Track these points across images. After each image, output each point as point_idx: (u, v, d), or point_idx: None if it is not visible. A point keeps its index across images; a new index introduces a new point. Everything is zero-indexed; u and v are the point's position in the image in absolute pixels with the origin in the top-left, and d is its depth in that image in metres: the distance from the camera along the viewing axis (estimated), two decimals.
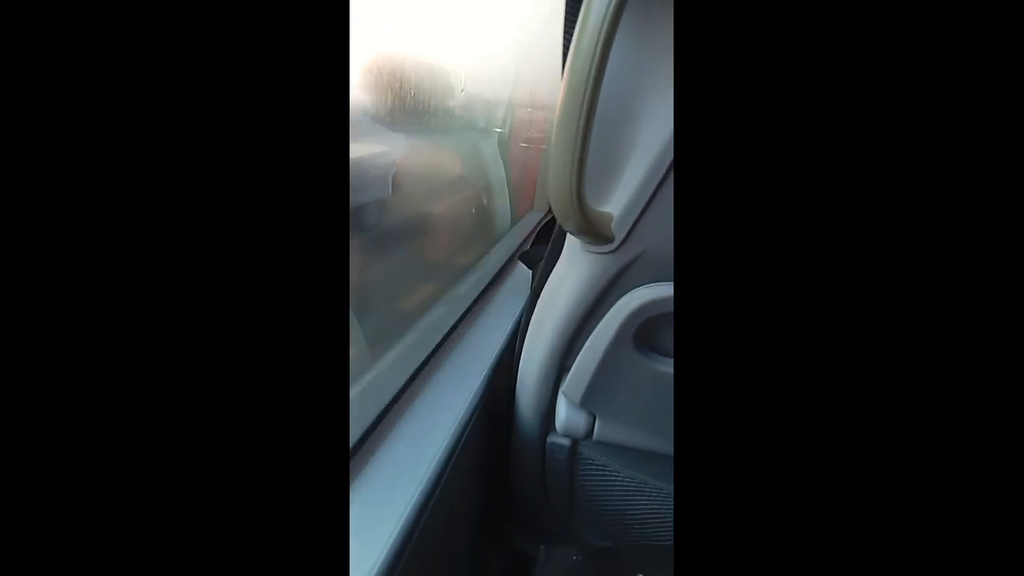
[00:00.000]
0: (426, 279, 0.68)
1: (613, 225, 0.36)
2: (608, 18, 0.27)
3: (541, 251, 0.51)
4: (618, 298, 0.41)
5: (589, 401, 0.49)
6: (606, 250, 0.38)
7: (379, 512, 0.38)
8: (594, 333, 0.43)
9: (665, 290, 0.39)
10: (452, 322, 0.65)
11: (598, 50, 0.28)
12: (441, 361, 0.59)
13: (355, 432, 0.43)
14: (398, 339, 0.55)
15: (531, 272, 0.76)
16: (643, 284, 0.39)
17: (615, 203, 0.36)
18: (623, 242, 0.37)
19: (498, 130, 1.01)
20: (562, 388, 0.50)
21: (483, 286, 0.76)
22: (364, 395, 0.46)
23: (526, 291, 0.65)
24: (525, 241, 1.01)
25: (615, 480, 0.56)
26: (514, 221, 1.03)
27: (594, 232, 0.36)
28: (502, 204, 0.99)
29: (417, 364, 0.55)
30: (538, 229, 0.99)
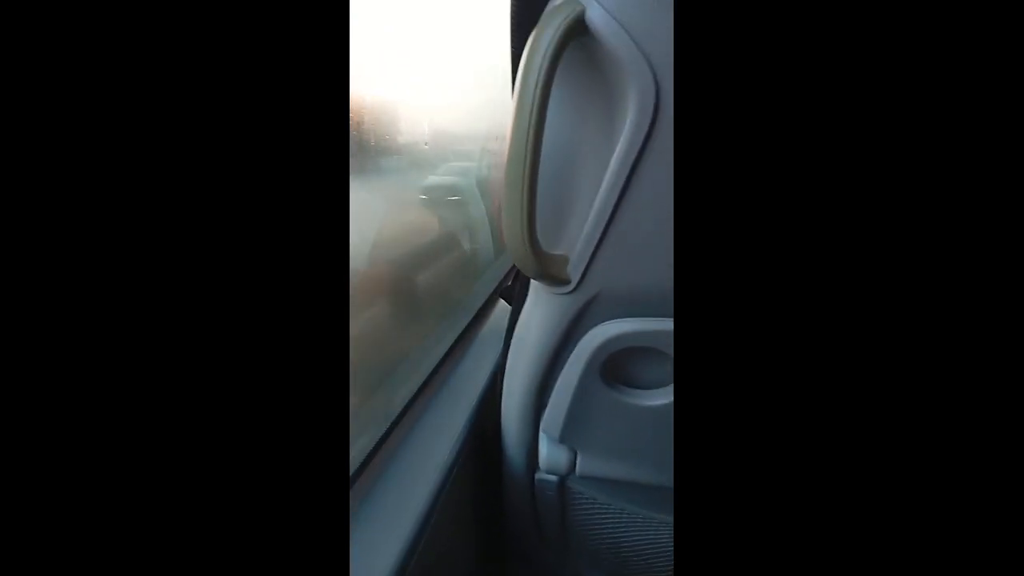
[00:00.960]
0: (407, 320, 0.68)
1: (569, 267, 0.38)
2: (540, 84, 0.29)
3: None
4: (582, 335, 0.42)
5: (567, 437, 0.49)
6: (565, 291, 0.39)
7: (370, 553, 0.38)
8: (564, 370, 0.44)
9: (625, 326, 0.40)
10: (435, 362, 0.66)
11: (534, 111, 0.30)
12: (427, 399, 0.59)
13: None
14: (379, 386, 0.56)
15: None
16: (604, 320, 0.40)
17: (571, 246, 0.38)
18: (579, 283, 0.38)
19: (475, 165, 1.02)
20: (541, 425, 0.51)
21: (467, 322, 0.77)
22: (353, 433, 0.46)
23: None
24: (508, 275, 1.02)
25: (607, 513, 0.55)
26: (497, 255, 1.05)
27: (550, 276, 0.38)
28: (484, 239, 1.01)
29: (402, 405, 0.56)
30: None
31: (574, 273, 0.38)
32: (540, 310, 0.43)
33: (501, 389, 0.54)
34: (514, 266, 1.06)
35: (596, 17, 0.28)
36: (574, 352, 0.43)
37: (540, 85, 0.29)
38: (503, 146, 0.32)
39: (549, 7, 0.29)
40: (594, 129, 0.33)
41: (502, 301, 0.88)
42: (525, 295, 0.49)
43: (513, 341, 0.49)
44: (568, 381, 0.44)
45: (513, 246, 0.35)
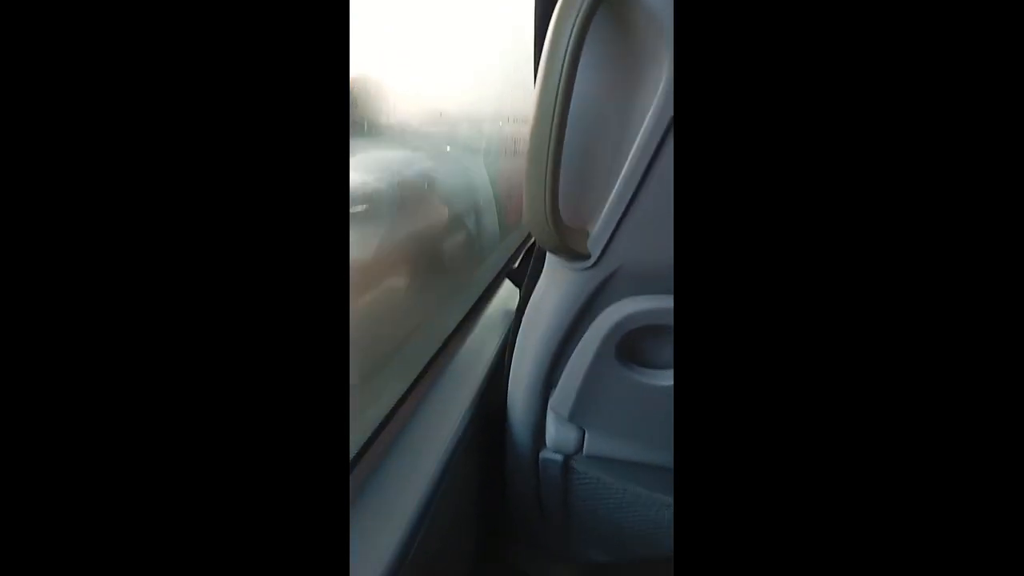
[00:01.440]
0: (412, 299, 0.68)
1: (589, 242, 0.37)
2: (571, 47, 0.28)
3: (527, 269, 0.52)
4: (598, 312, 0.41)
5: (577, 415, 0.49)
6: (584, 266, 0.39)
7: (373, 532, 0.38)
8: (577, 348, 0.44)
9: (643, 303, 0.39)
10: (442, 340, 0.65)
11: (563, 76, 0.29)
12: (432, 379, 0.59)
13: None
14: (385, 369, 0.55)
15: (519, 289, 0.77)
16: (621, 298, 0.40)
17: (591, 220, 0.37)
18: (599, 258, 0.37)
19: (483, 146, 1.01)
20: (550, 403, 0.50)
21: (472, 301, 0.76)
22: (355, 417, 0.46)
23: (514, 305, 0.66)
24: (514, 257, 1.01)
25: (610, 493, 0.56)
26: (504, 236, 1.04)
27: (569, 250, 0.37)
28: (490, 221, 1.00)
29: (407, 385, 0.55)
30: (525, 248, 1.00)
31: (594, 248, 0.37)
32: (556, 285, 0.43)
33: (506, 368, 0.54)
34: (520, 247, 1.06)
35: None
36: (590, 329, 0.42)
37: (570, 49, 0.28)
38: (514, 128, 0.31)
39: None
40: (621, 99, 0.33)
41: (507, 282, 0.87)
42: (538, 274, 0.48)
43: (524, 319, 0.49)
44: (582, 359, 0.44)
45: (534, 217, 0.35)
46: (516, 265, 0.80)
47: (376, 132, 0.51)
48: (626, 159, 0.33)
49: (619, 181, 0.34)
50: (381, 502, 0.41)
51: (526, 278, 0.52)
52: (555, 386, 0.49)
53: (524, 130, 0.33)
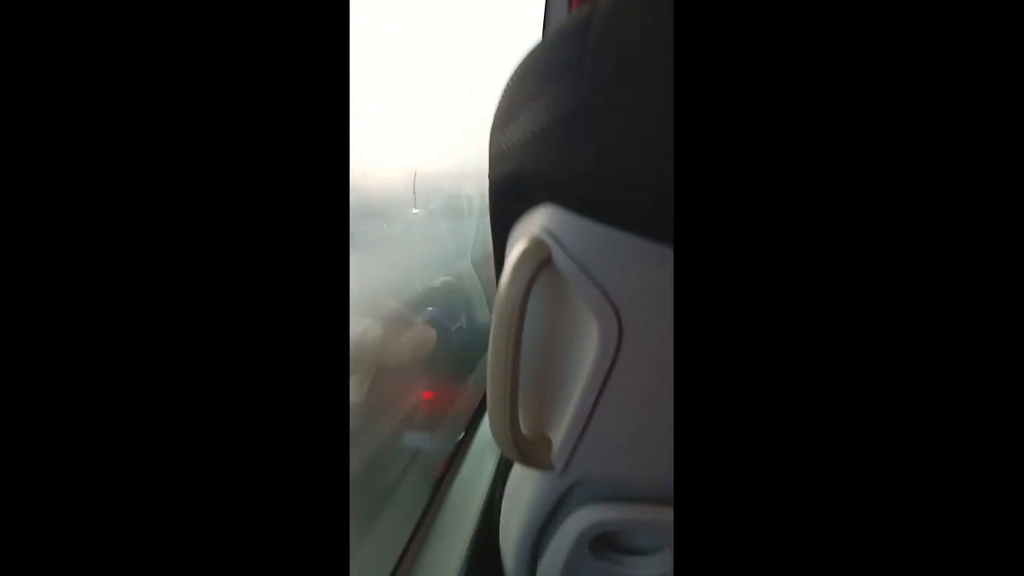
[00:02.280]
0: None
1: (552, 457, 0.37)
2: (515, 318, 0.30)
3: None
4: (567, 516, 0.41)
5: None
6: (550, 473, 0.38)
7: None
8: (553, 540, 0.43)
9: (607, 512, 0.39)
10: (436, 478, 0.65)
11: (511, 338, 0.30)
12: (427, 528, 0.58)
13: None
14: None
15: None
16: (589, 502, 0.40)
17: (554, 431, 0.37)
18: (564, 470, 0.37)
19: (471, 207, 0.97)
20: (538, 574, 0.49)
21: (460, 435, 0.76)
22: None
23: None
24: None
25: None
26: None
27: (533, 462, 0.37)
28: (483, 320, 1.00)
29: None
30: None
31: (558, 461, 0.37)
32: (529, 478, 0.43)
33: (495, 521, 0.53)
34: None
35: (559, 259, 0.28)
36: (559, 532, 0.42)
37: (514, 325, 0.30)
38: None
39: (520, 246, 0.29)
40: (566, 339, 0.33)
41: None
42: None
43: (505, 498, 0.48)
44: (558, 550, 0.43)
45: (497, 433, 0.35)
46: None
47: None
48: (582, 376, 0.34)
49: (571, 408, 0.34)
50: None
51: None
52: (542, 556, 0.48)
53: None
